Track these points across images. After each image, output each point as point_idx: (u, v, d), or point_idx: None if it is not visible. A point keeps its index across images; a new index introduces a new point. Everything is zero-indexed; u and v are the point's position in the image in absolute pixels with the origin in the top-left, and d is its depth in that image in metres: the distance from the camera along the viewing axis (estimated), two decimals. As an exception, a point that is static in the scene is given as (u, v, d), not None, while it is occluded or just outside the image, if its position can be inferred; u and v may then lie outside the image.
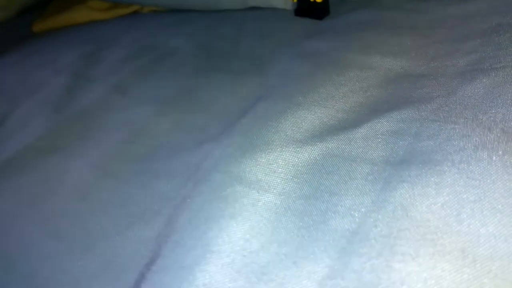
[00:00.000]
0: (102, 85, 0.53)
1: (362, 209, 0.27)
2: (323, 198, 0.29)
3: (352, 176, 0.30)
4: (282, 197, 0.30)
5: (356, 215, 0.27)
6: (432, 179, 0.28)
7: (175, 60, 0.56)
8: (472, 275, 0.23)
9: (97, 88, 0.52)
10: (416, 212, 0.26)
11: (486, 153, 0.29)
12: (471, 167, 0.28)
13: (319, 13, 0.59)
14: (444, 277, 0.23)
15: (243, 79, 0.48)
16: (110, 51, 0.61)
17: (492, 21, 0.45)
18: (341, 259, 0.25)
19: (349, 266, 0.25)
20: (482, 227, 0.25)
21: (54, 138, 0.45)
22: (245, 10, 0.66)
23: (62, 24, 0.80)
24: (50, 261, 0.31)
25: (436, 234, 0.25)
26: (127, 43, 0.63)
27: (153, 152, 0.40)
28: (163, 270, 0.27)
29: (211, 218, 0.29)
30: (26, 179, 0.39)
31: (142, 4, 0.75)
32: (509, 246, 0.24)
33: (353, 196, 0.29)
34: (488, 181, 0.27)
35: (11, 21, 0.91)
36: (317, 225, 0.27)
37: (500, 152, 0.28)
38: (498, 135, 0.30)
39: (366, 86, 0.41)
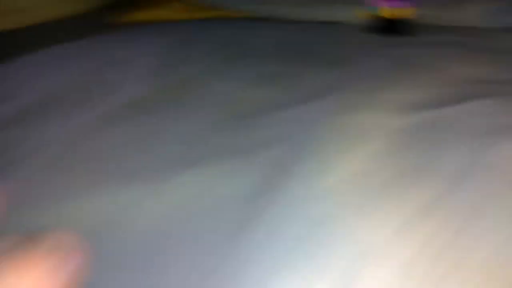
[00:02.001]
0: (193, 66, 0.57)
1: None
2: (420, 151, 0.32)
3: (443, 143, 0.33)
4: (385, 145, 0.33)
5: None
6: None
7: (258, 53, 0.61)
8: None
9: (189, 68, 0.57)
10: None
11: None
12: None
13: (392, 29, 0.64)
14: None
15: (325, 72, 0.52)
16: (197, 42, 0.67)
17: None
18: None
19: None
20: None
21: (150, 101, 0.49)
22: (323, 22, 0.72)
23: (148, 19, 0.87)
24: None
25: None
26: (212, 37, 0.69)
27: (249, 115, 0.44)
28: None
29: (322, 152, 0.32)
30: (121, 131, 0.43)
31: (234, 9, 0.81)
32: None
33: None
34: None
35: (92, 12, 0.98)
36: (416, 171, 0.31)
37: None
38: None
39: (446, 83, 0.44)
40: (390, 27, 0.64)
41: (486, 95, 0.40)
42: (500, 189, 0.29)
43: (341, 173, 0.30)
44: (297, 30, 0.69)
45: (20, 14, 0.87)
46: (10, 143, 0.45)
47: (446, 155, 0.31)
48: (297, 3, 0.73)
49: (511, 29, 0.59)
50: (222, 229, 0.30)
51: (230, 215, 0.31)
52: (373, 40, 0.62)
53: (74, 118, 0.47)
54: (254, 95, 0.47)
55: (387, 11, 0.63)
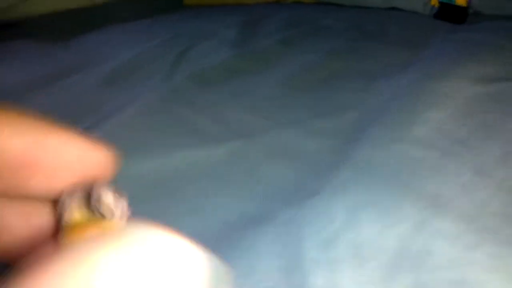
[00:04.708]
0: (268, 39, 0.62)
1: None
2: (496, 114, 0.36)
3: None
4: (464, 106, 0.37)
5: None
6: None
7: (329, 32, 0.65)
8: None
9: (264, 41, 0.62)
10: None
11: None
12: None
13: (459, 17, 0.67)
14: None
15: (399, 49, 0.56)
16: (267, 22, 0.72)
17: None
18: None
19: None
20: None
21: (237, 64, 0.54)
22: (387, 9, 0.75)
23: (213, 2, 0.92)
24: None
25: None
26: (280, 19, 0.73)
27: (330, 79, 0.48)
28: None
29: (406, 112, 0.37)
30: (220, 87, 0.49)
31: None
32: None
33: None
34: None
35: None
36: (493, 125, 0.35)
37: None
38: None
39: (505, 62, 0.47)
40: (456, 14, 0.67)
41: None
42: None
43: (427, 125, 0.34)
44: (367, 14, 0.73)
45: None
46: (103, 100, 0.51)
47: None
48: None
49: None
50: (312, 171, 0.35)
51: (316, 161, 0.36)
52: (440, 26, 0.65)
53: (165, 79, 0.53)
54: (330, 65, 0.52)
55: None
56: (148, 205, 0.24)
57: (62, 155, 0.15)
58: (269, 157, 0.37)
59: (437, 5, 0.70)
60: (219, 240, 0.27)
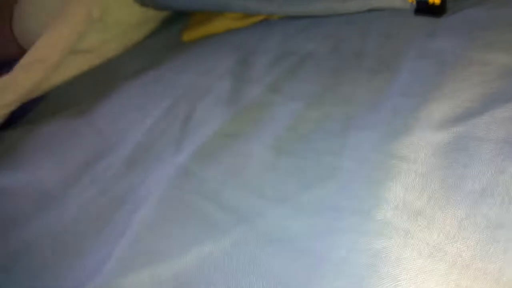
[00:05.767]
0: (259, 86, 0.67)
1: (488, 174, 0.38)
2: (458, 169, 0.40)
3: (479, 151, 0.41)
4: (425, 167, 0.41)
5: (484, 178, 0.38)
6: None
7: (313, 62, 0.68)
8: None
9: (255, 89, 0.67)
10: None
11: None
12: None
13: (437, 12, 0.68)
14: None
15: (375, 77, 0.60)
16: (257, 57, 0.76)
17: None
18: (472, 208, 0.37)
19: (481, 212, 0.36)
20: None
21: (233, 126, 0.60)
22: (366, 12, 0.76)
23: (207, 33, 0.97)
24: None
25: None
26: (269, 49, 0.77)
27: (310, 135, 0.53)
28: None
29: (373, 182, 0.42)
30: (223, 158, 0.55)
31: (273, 13, 0.88)
32: None
33: (480, 165, 0.39)
34: None
35: (158, 33, 1.09)
36: (452, 186, 0.39)
37: None
38: None
39: (486, 79, 0.50)
40: (429, 9, 0.68)
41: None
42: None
43: (388, 206, 0.40)
44: (347, 24, 0.75)
45: (89, 54, 0.98)
46: (127, 188, 0.58)
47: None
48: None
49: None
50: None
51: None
52: (419, 26, 0.66)
53: (172, 162, 0.60)
54: (311, 115, 0.57)
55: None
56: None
57: None
58: (267, 243, 0.43)
59: (414, 2, 0.70)
60: None
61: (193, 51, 0.90)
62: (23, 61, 0.85)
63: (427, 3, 0.68)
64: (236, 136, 0.58)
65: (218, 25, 0.96)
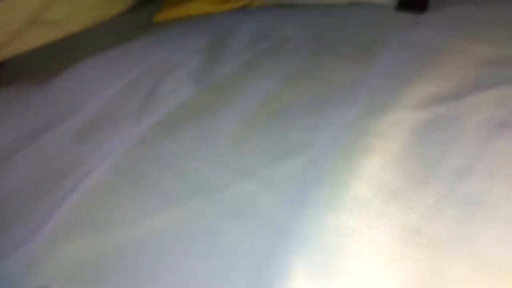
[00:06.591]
0: (232, 64, 0.64)
1: (469, 152, 0.36)
2: (438, 147, 0.37)
3: (460, 131, 0.38)
4: (403, 144, 0.39)
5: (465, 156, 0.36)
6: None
7: (291, 45, 0.66)
8: None
9: (229, 65, 0.63)
10: None
11: None
12: None
13: (419, 7, 0.66)
14: None
15: (353, 62, 0.57)
16: (232, 39, 0.72)
17: None
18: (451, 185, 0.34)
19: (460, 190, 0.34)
20: None
21: (200, 101, 0.56)
22: (348, 5, 0.75)
23: (180, 15, 0.93)
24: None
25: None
26: (245, 32, 0.74)
27: (282, 112, 0.50)
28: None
29: (348, 158, 0.39)
30: (186, 130, 0.51)
31: None
32: None
33: (461, 144, 0.37)
34: None
35: (129, 13, 1.04)
36: (431, 163, 0.36)
37: None
38: None
39: (467, 67, 0.48)
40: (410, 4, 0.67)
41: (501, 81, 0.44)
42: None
43: (364, 179, 0.37)
44: (328, 15, 0.73)
45: (53, 26, 0.93)
46: (76, 160, 0.53)
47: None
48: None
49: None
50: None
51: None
52: (400, 19, 0.65)
53: (132, 130, 0.55)
54: (286, 93, 0.53)
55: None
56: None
57: None
58: (228, 215, 0.39)
59: (395, -3, 0.69)
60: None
61: (165, 31, 0.86)
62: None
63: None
64: (202, 111, 0.54)
65: (194, 7, 0.92)
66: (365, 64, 0.54)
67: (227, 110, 0.53)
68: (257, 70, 0.61)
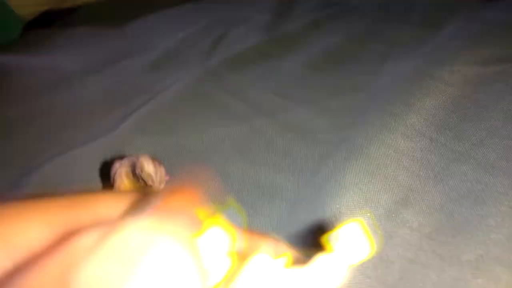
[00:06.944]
0: (299, 21, 0.67)
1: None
2: (490, 95, 0.40)
3: None
4: (462, 92, 0.41)
5: None
6: None
7: (357, 12, 0.68)
8: None
9: (296, 23, 0.66)
10: None
11: None
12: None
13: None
14: None
15: (419, 30, 0.59)
16: (302, 2, 0.75)
17: None
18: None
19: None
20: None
21: (268, 47, 0.60)
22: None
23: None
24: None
25: None
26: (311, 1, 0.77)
27: (346, 60, 0.53)
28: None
29: (407, 94, 0.41)
30: (253, 68, 0.55)
31: None
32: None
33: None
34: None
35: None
36: (485, 105, 0.39)
37: None
38: None
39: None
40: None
41: None
42: None
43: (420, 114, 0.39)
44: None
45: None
46: (149, 83, 0.58)
47: None
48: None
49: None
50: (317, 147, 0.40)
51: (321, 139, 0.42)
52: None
53: (202, 64, 0.59)
54: (349, 48, 0.56)
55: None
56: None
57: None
58: (284, 133, 0.42)
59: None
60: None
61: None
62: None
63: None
64: (269, 54, 0.58)
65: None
66: (430, 31, 0.56)
67: (293, 56, 0.57)
68: (323, 28, 0.64)
